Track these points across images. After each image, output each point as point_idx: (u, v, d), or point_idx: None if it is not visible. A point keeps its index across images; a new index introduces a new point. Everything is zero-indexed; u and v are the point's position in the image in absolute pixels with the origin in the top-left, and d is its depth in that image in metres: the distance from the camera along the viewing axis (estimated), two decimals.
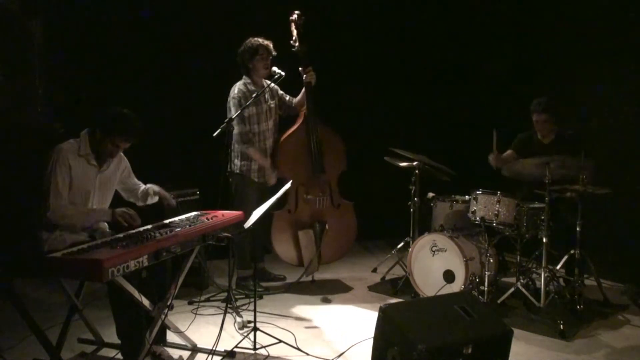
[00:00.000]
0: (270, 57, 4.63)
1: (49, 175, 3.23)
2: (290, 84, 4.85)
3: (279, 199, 3.81)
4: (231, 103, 4.62)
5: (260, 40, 4.60)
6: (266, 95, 4.72)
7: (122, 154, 3.60)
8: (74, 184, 3.29)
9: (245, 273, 4.81)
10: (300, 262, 4.88)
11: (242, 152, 4.68)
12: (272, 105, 4.79)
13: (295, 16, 4.75)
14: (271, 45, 4.62)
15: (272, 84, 4.76)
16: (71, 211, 3.25)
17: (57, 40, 5.04)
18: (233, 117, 4.34)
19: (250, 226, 3.62)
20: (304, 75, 4.76)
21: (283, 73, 4.45)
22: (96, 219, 3.36)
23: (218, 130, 4.34)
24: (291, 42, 4.77)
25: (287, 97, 4.92)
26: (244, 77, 4.71)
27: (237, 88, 4.65)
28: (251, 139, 4.64)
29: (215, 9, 5.56)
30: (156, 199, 3.74)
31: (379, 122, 6.37)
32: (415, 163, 4.76)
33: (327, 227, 4.87)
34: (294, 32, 4.75)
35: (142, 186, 3.75)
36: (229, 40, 4.83)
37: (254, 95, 4.48)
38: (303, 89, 4.83)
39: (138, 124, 3.37)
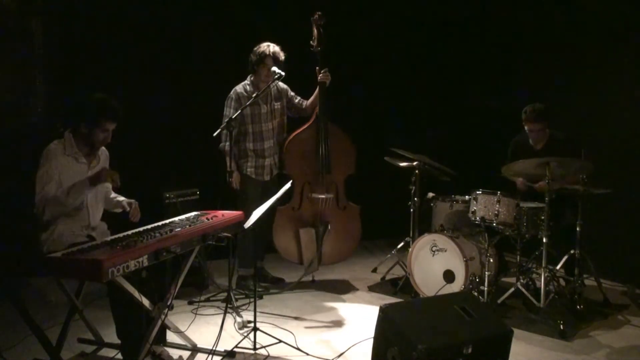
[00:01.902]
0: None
1: (37, 175, 3.21)
2: (298, 83, 4.88)
3: (279, 199, 3.82)
4: (225, 103, 4.70)
5: (271, 49, 4.57)
6: (269, 97, 4.73)
7: (107, 151, 3.59)
8: (66, 183, 3.27)
9: (247, 272, 4.81)
10: (301, 260, 4.89)
11: (239, 151, 4.70)
12: (277, 107, 4.79)
13: (316, 16, 4.75)
14: (282, 56, 4.59)
15: (282, 85, 4.81)
16: (50, 193, 3.17)
17: (57, 39, 5.04)
18: (233, 117, 4.33)
19: (250, 226, 3.62)
20: (319, 75, 4.77)
21: (283, 73, 4.43)
22: (78, 190, 3.23)
23: (218, 130, 4.35)
24: (311, 42, 4.77)
25: (297, 99, 4.91)
26: (248, 76, 4.73)
27: (233, 89, 4.70)
28: (224, 139, 4.60)
29: (217, 10, 5.56)
30: (119, 210, 3.65)
31: (379, 122, 6.37)
32: (415, 163, 4.76)
33: (329, 227, 4.88)
34: (315, 32, 4.75)
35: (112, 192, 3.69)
36: (231, 39, 4.83)
37: (253, 95, 4.48)
38: (317, 90, 4.82)
39: (116, 102, 3.35)
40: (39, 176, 3.22)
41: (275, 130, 4.81)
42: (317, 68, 4.79)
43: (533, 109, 4.51)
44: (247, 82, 4.72)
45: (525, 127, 4.60)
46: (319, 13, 4.75)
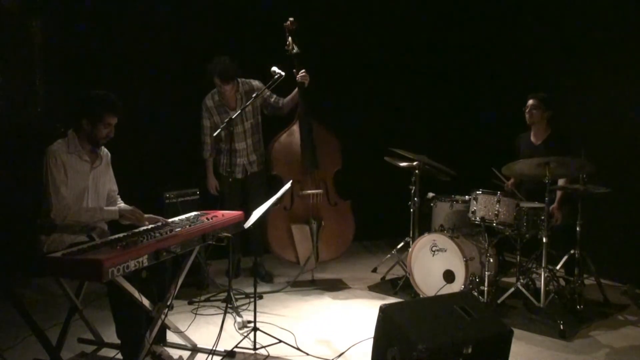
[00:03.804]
0: (230, 84, 4.66)
1: (45, 176, 3.24)
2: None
3: (279, 199, 3.82)
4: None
5: (217, 68, 4.59)
6: (239, 100, 4.81)
7: (108, 152, 3.60)
8: (70, 181, 3.29)
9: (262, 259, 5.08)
10: (298, 259, 4.91)
11: (216, 152, 4.93)
12: (248, 109, 4.81)
13: (288, 22, 4.85)
14: (229, 70, 4.60)
15: (258, 84, 4.87)
16: (74, 209, 3.26)
17: (57, 40, 5.04)
18: (233, 117, 4.34)
19: (250, 226, 3.62)
20: (297, 77, 4.83)
21: (283, 73, 4.41)
22: (103, 217, 3.36)
23: (218, 131, 4.36)
24: (285, 47, 4.85)
25: (274, 98, 4.96)
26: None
27: (203, 101, 4.85)
28: (207, 148, 4.90)
29: (218, 11, 5.56)
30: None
31: (378, 122, 6.37)
32: (415, 163, 4.76)
33: (323, 224, 4.89)
34: (289, 38, 4.86)
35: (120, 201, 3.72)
36: (230, 40, 4.84)
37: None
38: (295, 90, 4.87)
39: (115, 96, 3.40)
40: (50, 181, 3.22)
41: (248, 132, 4.89)
42: (294, 70, 4.84)
43: (536, 92, 4.67)
44: (214, 90, 4.82)
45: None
46: (291, 19, 4.85)
